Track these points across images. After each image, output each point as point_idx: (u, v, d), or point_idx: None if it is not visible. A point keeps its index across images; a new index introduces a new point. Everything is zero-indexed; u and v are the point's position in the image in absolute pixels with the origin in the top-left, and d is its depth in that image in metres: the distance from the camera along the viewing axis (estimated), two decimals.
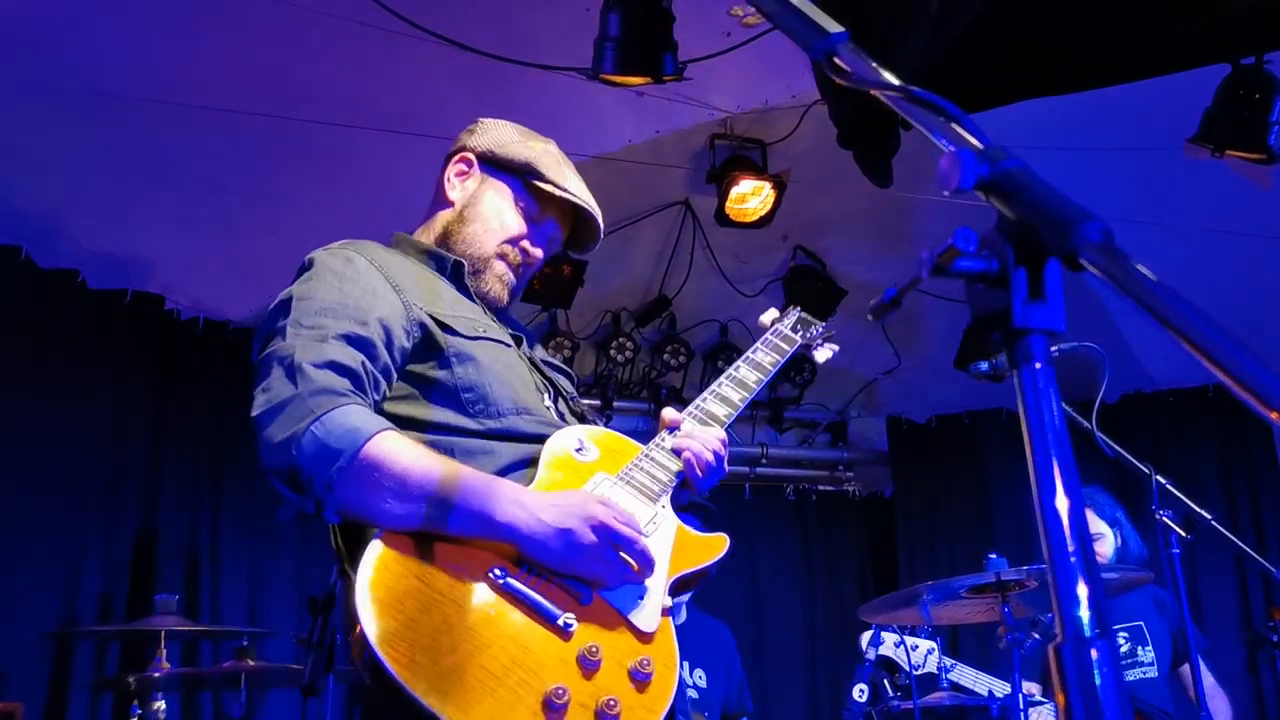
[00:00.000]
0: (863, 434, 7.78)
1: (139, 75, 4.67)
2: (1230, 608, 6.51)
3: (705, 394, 2.37)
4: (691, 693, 4.27)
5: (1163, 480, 3.59)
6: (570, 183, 2.39)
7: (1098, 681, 0.91)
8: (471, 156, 2.41)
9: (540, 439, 2.11)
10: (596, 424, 2.29)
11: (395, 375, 2.07)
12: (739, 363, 2.48)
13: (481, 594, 1.84)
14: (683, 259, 6.52)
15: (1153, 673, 4.58)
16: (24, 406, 4.98)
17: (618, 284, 6.70)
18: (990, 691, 4.03)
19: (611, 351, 6.81)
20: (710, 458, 2.21)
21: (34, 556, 4.90)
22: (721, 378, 2.42)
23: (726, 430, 2.30)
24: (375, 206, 4.65)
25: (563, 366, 2.45)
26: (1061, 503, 0.97)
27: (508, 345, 2.22)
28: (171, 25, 4.54)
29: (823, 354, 2.69)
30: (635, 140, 5.54)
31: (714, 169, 5.82)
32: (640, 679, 1.88)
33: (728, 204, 5.80)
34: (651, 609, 1.96)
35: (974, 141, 1.08)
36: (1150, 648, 4.60)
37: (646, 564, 1.96)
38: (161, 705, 3.86)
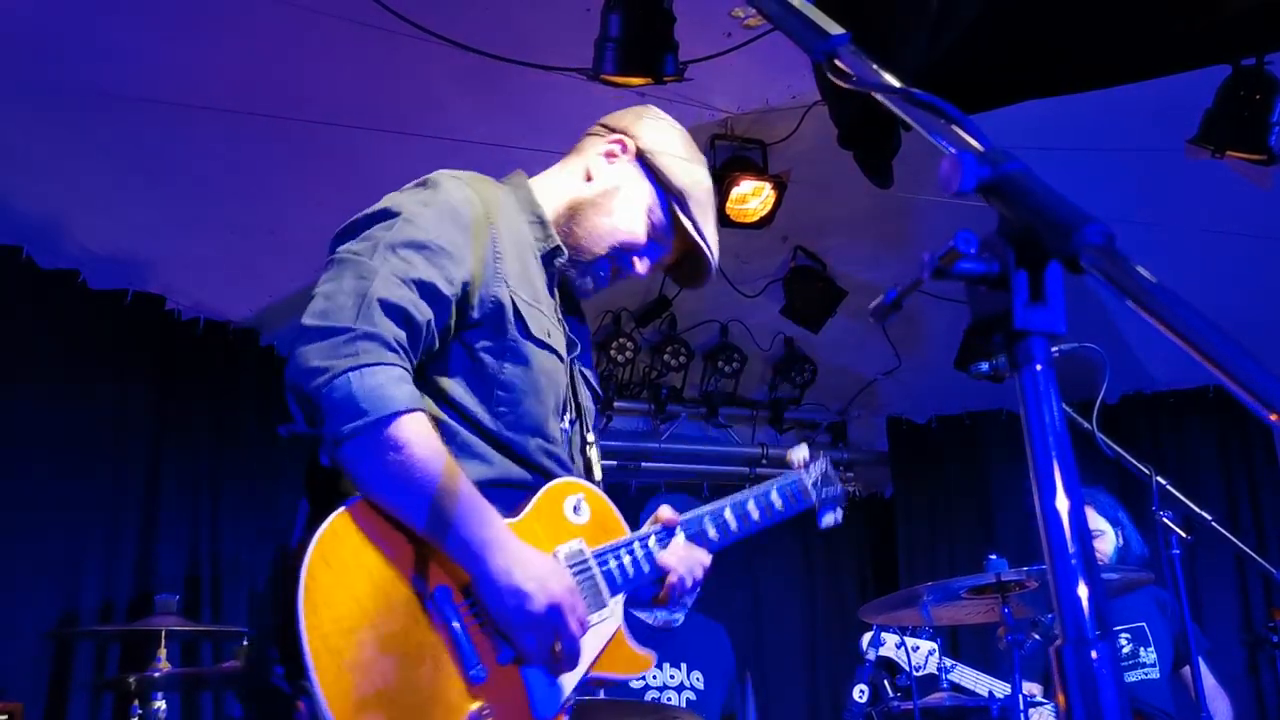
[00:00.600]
0: (863, 434, 7.78)
1: (140, 76, 4.67)
2: (1230, 609, 6.51)
3: (705, 511, 2.32)
4: (689, 694, 4.27)
5: (1163, 481, 3.59)
6: (709, 227, 2.30)
7: (1098, 683, 0.92)
8: (631, 145, 2.29)
9: (538, 469, 2.06)
10: (596, 475, 2.25)
11: (450, 336, 2.00)
12: (751, 495, 2.42)
13: (419, 605, 1.82)
14: None
15: (1155, 674, 4.58)
16: (24, 406, 4.98)
17: (618, 284, 6.67)
18: (990, 692, 4.03)
19: (612, 352, 6.81)
20: (689, 584, 2.22)
21: (34, 557, 4.90)
22: (728, 502, 2.37)
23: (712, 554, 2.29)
24: None
25: (595, 387, 2.38)
26: (1062, 504, 0.97)
27: (561, 360, 2.15)
28: (171, 26, 4.54)
29: (829, 519, 2.61)
30: None
31: (714, 169, 5.82)
32: None
33: (728, 204, 5.80)
34: (556, 696, 1.95)
35: (975, 144, 1.08)
36: (1152, 649, 4.61)
37: (569, 663, 1.93)
38: (162, 705, 3.87)
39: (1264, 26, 4.30)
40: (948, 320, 6.38)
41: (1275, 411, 0.89)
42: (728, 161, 5.81)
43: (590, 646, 2.01)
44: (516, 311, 2.04)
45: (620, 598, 2.11)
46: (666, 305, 6.80)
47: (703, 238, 2.27)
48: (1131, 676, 4.54)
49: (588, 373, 2.34)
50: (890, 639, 4.02)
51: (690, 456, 7.28)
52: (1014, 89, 4.35)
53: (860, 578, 7.51)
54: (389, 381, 1.81)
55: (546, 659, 1.91)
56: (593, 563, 2.06)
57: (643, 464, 7.15)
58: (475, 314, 2.00)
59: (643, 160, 2.28)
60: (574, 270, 2.23)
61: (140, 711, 3.86)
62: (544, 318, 2.11)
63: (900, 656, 4.10)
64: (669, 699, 4.20)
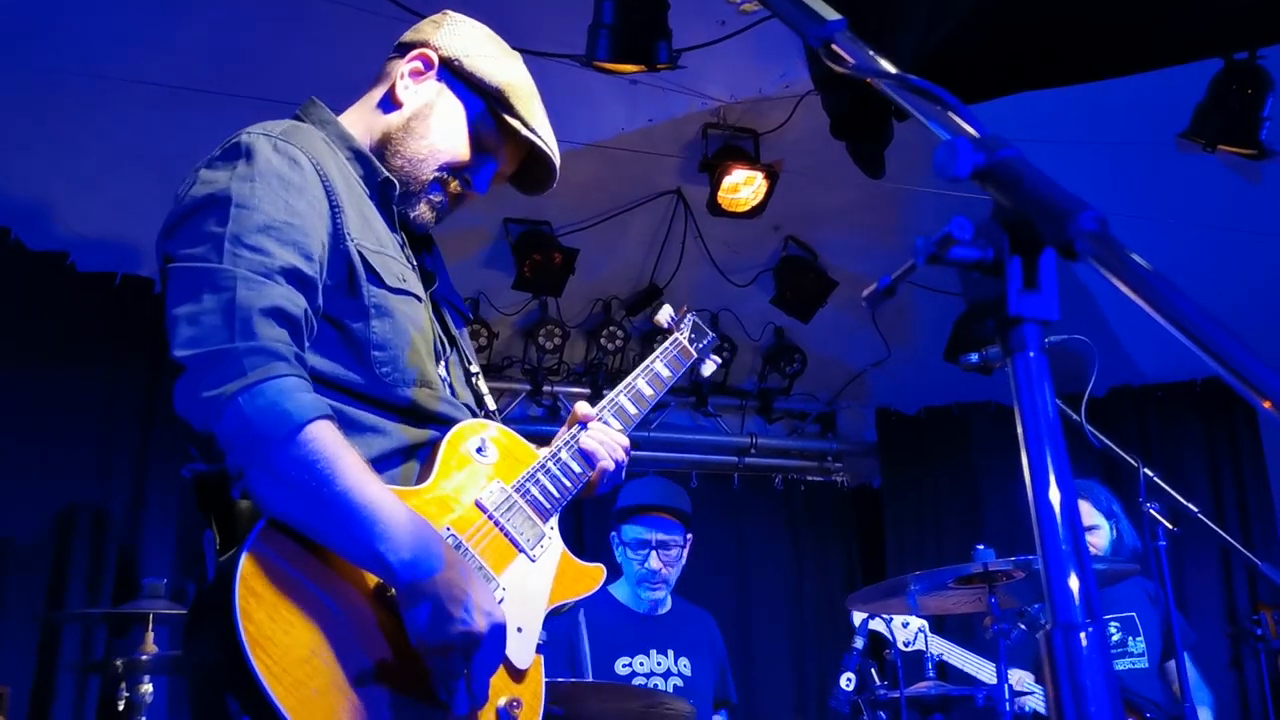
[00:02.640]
0: (852, 425, 7.79)
1: (130, 59, 4.66)
2: (1215, 601, 6.55)
3: (604, 403, 2.31)
4: (676, 681, 4.28)
5: (1150, 473, 3.60)
6: (538, 120, 2.14)
7: (1087, 668, 0.92)
8: (434, 57, 2.11)
9: (435, 419, 1.95)
10: (489, 405, 2.18)
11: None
12: (638, 374, 2.42)
13: (363, 606, 1.74)
14: (674, 248, 6.52)
15: (1143, 663, 4.61)
16: (12, 388, 4.98)
17: (609, 272, 6.70)
18: (978, 682, 4.05)
19: (602, 340, 6.81)
20: (611, 465, 2.20)
21: (22, 539, 4.90)
22: (620, 388, 2.37)
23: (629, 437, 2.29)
24: None
25: (463, 309, 2.26)
26: (1054, 491, 0.97)
27: (419, 299, 2.01)
28: (163, 9, 4.53)
29: (708, 367, 2.69)
30: (627, 129, 5.53)
31: (706, 158, 5.82)
32: (507, 718, 1.87)
33: (720, 193, 5.81)
34: (527, 643, 1.95)
35: (971, 130, 1.08)
36: (1141, 639, 4.63)
37: (480, 692, 1.76)
38: (149, 688, 3.86)
39: (1256, 21, 4.31)
40: (937, 312, 6.40)
41: (1268, 399, 0.90)
42: (720, 150, 5.81)
43: (543, 578, 2.03)
44: (367, 264, 1.89)
45: (554, 519, 2.09)
46: (657, 293, 6.80)
47: (535, 133, 2.12)
48: (1120, 665, 4.57)
49: (453, 300, 2.22)
50: (899, 617, 4.04)
51: (679, 445, 7.29)
52: (1007, 81, 4.36)
53: (848, 567, 7.53)
54: (281, 396, 1.66)
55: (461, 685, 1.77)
56: (516, 496, 2.02)
57: (633, 453, 7.13)
58: (329, 280, 1.85)
59: (450, 69, 2.11)
60: (405, 204, 2.07)
61: (127, 694, 3.85)
62: (393, 261, 1.97)
63: (902, 635, 4.12)
64: (656, 685, 4.21)
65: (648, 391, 2.41)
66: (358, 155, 2.04)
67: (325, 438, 1.68)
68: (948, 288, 6.12)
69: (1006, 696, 3.47)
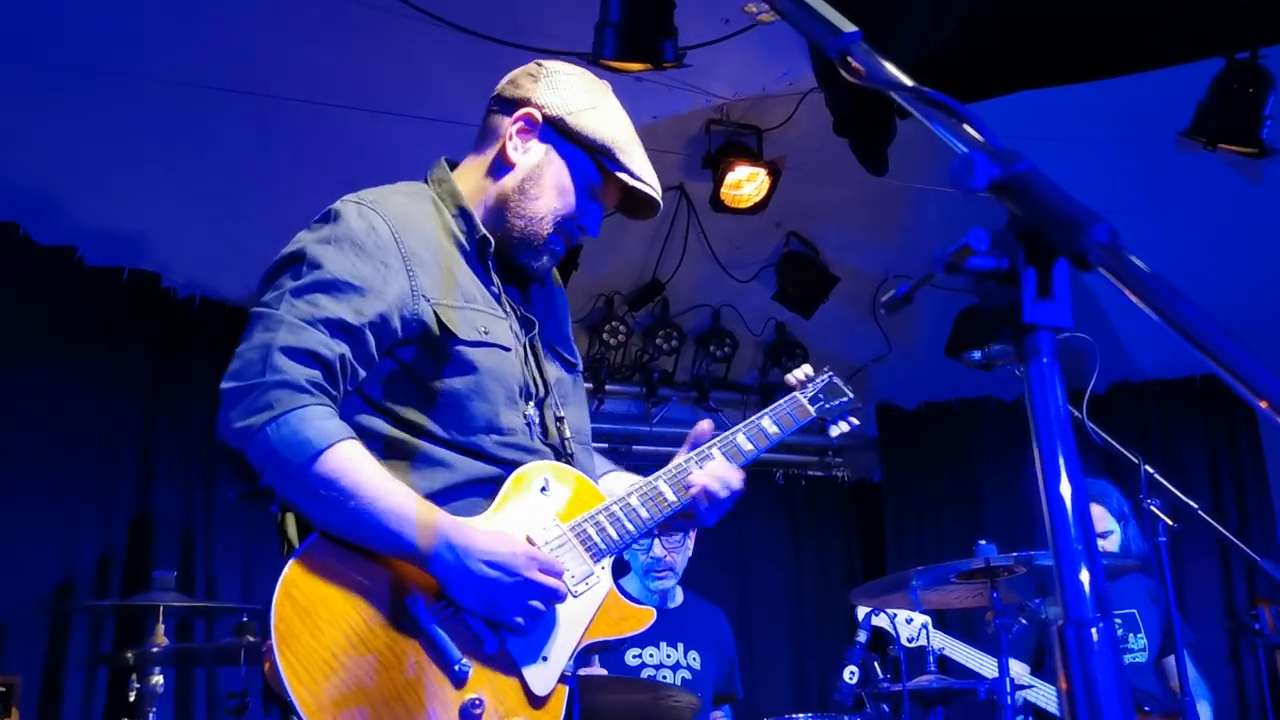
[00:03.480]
0: None
1: (138, 55, 4.68)
2: (1214, 596, 6.60)
3: (720, 437, 2.34)
4: (685, 674, 4.33)
5: (1151, 470, 3.64)
6: (638, 165, 2.23)
7: (1098, 662, 0.96)
8: (538, 116, 2.20)
9: (501, 463, 2.08)
10: (568, 449, 2.23)
11: (378, 359, 2.02)
12: (742, 429, 2.39)
13: (393, 617, 1.89)
14: (676, 244, 6.55)
15: (1142, 658, 4.66)
16: (20, 382, 5.01)
17: (611, 268, 6.73)
18: (979, 675, 4.10)
19: (604, 335, 6.84)
20: (724, 493, 2.26)
21: (29, 533, 4.93)
22: (736, 431, 2.37)
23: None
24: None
25: (565, 355, 2.35)
26: (1065, 489, 1.01)
27: (506, 350, 2.12)
28: (172, 5, 4.55)
29: (838, 429, 2.61)
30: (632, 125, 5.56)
31: (710, 154, 5.84)
32: None
33: (723, 189, 5.83)
34: (550, 672, 2.00)
35: (987, 143, 1.11)
36: (1142, 635, 4.68)
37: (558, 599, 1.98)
38: (159, 680, 3.90)
39: (1257, 21, 4.35)
40: (938, 308, 6.43)
41: (1264, 399, 0.94)
42: (723, 146, 5.83)
43: (580, 615, 2.06)
44: (441, 323, 2.03)
45: (607, 562, 2.14)
46: (659, 289, 6.83)
47: (641, 181, 2.22)
48: None
49: (556, 346, 2.32)
50: (902, 612, 4.08)
51: (681, 440, 7.21)
52: (1008, 80, 4.39)
53: (848, 562, 7.57)
54: (303, 425, 1.87)
55: (533, 627, 1.97)
56: (569, 534, 2.09)
57: (634, 447, 7.19)
58: (400, 334, 2.02)
59: (555, 128, 2.20)
60: (528, 255, 2.21)
61: (138, 686, 3.89)
62: (479, 314, 2.10)
63: (905, 630, 4.16)
64: (664, 677, 4.25)
65: (746, 448, 2.39)
66: (463, 213, 2.19)
67: (344, 456, 1.89)
68: (948, 285, 6.15)
69: (1008, 690, 3.51)
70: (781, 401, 2.51)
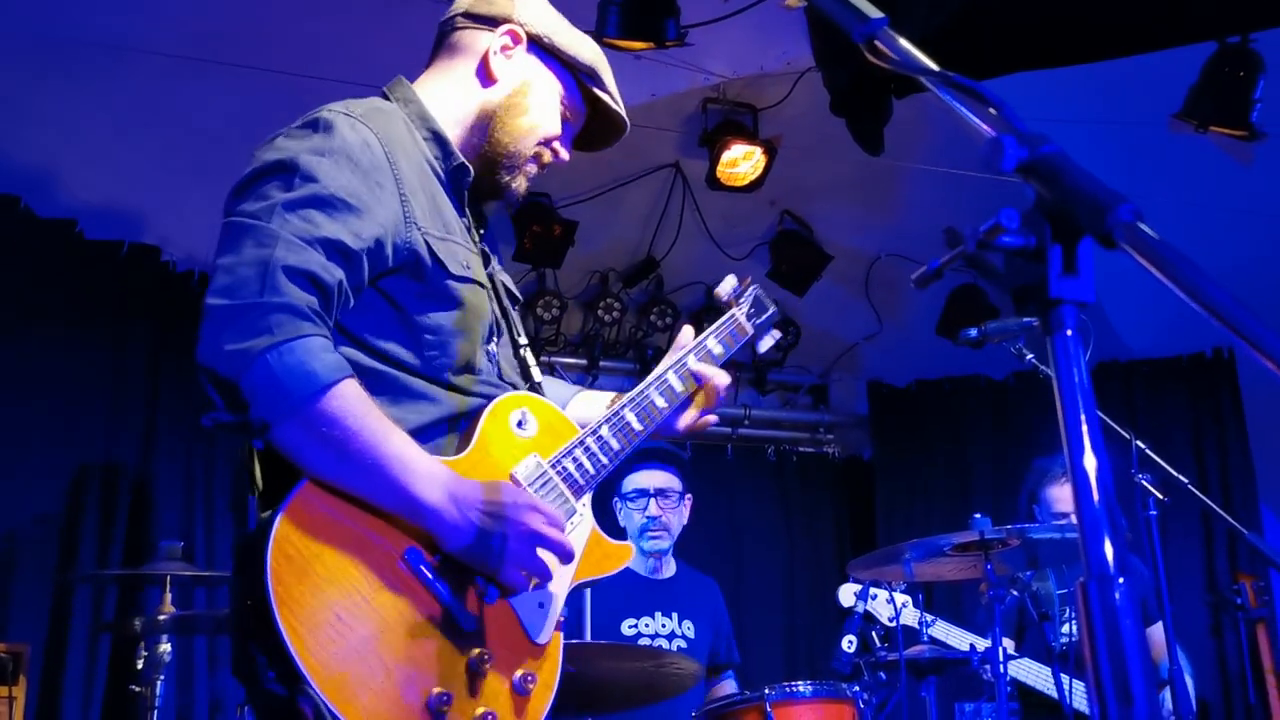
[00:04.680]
0: (844, 397, 7.90)
1: (137, 27, 4.69)
2: (1196, 571, 6.70)
3: (651, 378, 2.28)
4: (680, 642, 4.41)
5: (1142, 445, 3.72)
6: (616, 90, 2.25)
7: (1120, 616, 1.02)
8: (521, 33, 2.17)
9: (479, 398, 2.02)
10: (534, 377, 2.21)
11: (365, 287, 1.91)
12: (690, 349, 2.35)
13: (392, 572, 1.78)
14: (671, 221, 6.60)
15: None
16: (21, 355, 5.03)
17: (606, 245, 6.77)
18: (972, 645, 4.19)
19: (599, 312, 6.89)
20: (722, 391, 2.31)
21: (34, 503, 4.97)
22: (669, 364, 2.31)
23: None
24: None
25: (512, 290, 2.30)
26: (1089, 457, 1.07)
27: (483, 287, 2.07)
28: None
29: (765, 343, 2.56)
30: (629, 103, 5.53)
31: (706, 133, 5.88)
32: (521, 692, 1.88)
33: (719, 168, 5.87)
34: (550, 619, 1.96)
35: (1014, 126, 1.17)
36: None
37: (566, 559, 1.93)
38: (167, 648, 3.95)
39: (1249, 5, 4.41)
40: (929, 287, 6.48)
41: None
42: (719, 125, 5.87)
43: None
44: (432, 254, 1.95)
45: (588, 497, 2.10)
46: (654, 266, 6.88)
47: (619, 105, 2.24)
48: None
49: (504, 278, 2.26)
50: (881, 594, 4.17)
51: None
52: (1004, 61, 4.44)
53: (838, 537, 7.65)
54: (309, 355, 1.72)
55: (526, 583, 1.89)
56: (551, 472, 2.03)
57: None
58: (390, 263, 1.91)
59: (539, 45, 2.18)
60: (508, 174, 2.16)
61: (145, 653, 3.95)
62: (459, 248, 2.03)
63: (877, 609, 4.24)
64: (661, 646, 4.33)
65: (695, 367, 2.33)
66: (436, 138, 2.09)
67: (349, 396, 1.75)
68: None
69: (1000, 660, 3.60)
70: (723, 320, 2.45)
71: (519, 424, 2.04)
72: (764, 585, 7.26)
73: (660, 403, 2.25)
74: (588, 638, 3.96)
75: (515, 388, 2.14)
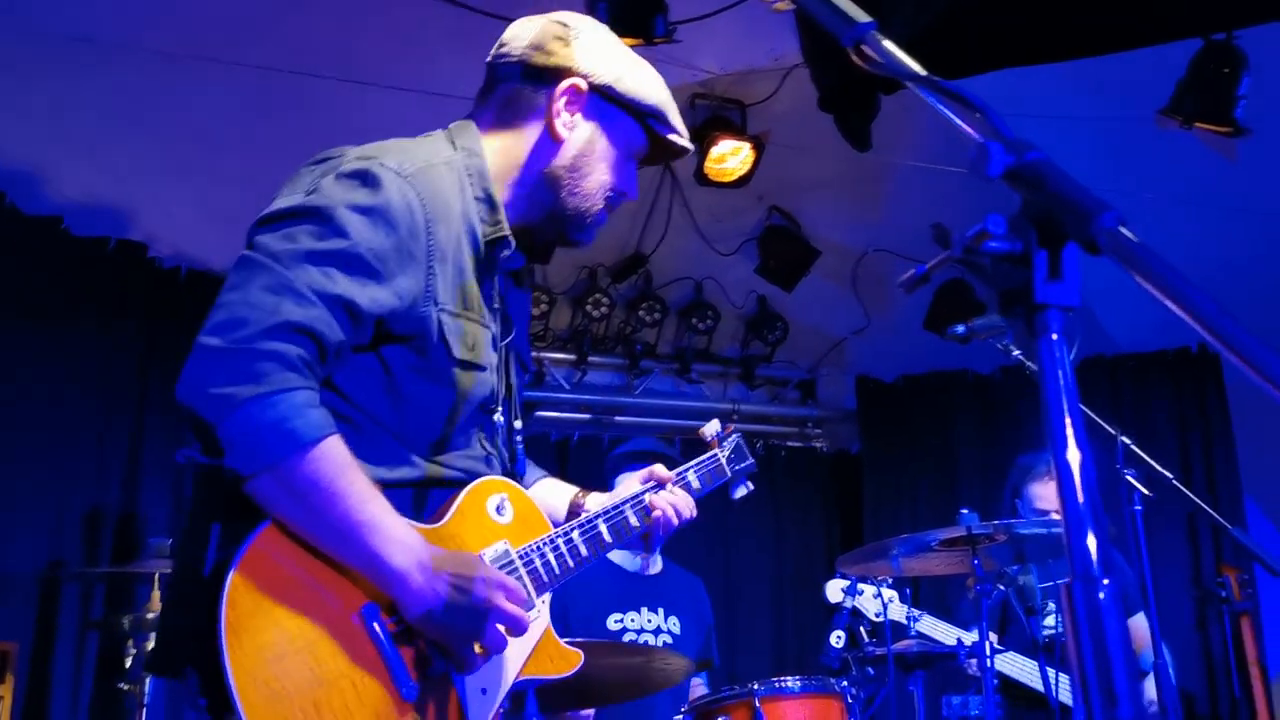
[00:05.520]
0: (831, 392, 7.92)
1: (124, 23, 4.68)
2: (1181, 565, 6.74)
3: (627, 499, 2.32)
4: (665, 638, 4.43)
5: (1127, 440, 3.75)
6: (680, 121, 2.20)
7: (1104, 616, 1.04)
8: (583, 86, 2.09)
9: (458, 472, 2.01)
10: (518, 463, 2.20)
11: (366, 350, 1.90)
12: (676, 477, 2.42)
13: (345, 625, 1.76)
14: (660, 217, 6.61)
15: None
16: (7, 353, 5.02)
17: (595, 240, 6.76)
18: (959, 640, 4.21)
19: (587, 307, 6.89)
20: (676, 520, 2.35)
21: (20, 502, 4.96)
22: (647, 488, 2.37)
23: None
24: None
25: (526, 360, 2.28)
26: (1073, 455, 1.09)
27: (482, 369, 2.02)
28: None
29: (740, 491, 2.66)
30: None
31: (693, 128, 5.89)
32: None
33: (707, 163, 5.88)
34: (491, 708, 1.93)
35: (1000, 132, 1.19)
36: None
37: (520, 630, 1.91)
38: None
39: (1233, 2, 4.44)
40: None
41: (1263, 374, 1.02)
42: (707, 120, 5.88)
43: (519, 649, 2.00)
44: (442, 334, 1.92)
45: (547, 596, 2.08)
46: (642, 261, 6.89)
47: (685, 138, 2.20)
48: None
49: (519, 350, 2.24)
50: (868, 589, 4.19)
51: (663, 411, 7.41)
52: (990, 57, 4.46)
53: (826, 531, 7.67)
54: (292, 411, 1.69)
55: (480, 661, 1.88)
56: (518, 563, 2.02)
57: (616, 418, 7.28)
58: (396, 331, 1.89)
59: (603, 96, 2.10)
60: (580, 233, 2.16)
61: (134, 651, 3.95)
62: (472, 324, 1.99)
63: (865, 605, 4.26)
64: (646, 641, 4.35)
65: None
66: (489, 200, 2.04)
67: (329, 457, 1.73)
68: (927, 259, 6.25)
69: (988, 654, 3.63)
70: (705, 458, 2.55)
71: (497, 509, 2.05)
72: (752, 580, 7.28)
73: (633, 521, 2.30)
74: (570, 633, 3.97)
75: (502, 462, 2.15)
